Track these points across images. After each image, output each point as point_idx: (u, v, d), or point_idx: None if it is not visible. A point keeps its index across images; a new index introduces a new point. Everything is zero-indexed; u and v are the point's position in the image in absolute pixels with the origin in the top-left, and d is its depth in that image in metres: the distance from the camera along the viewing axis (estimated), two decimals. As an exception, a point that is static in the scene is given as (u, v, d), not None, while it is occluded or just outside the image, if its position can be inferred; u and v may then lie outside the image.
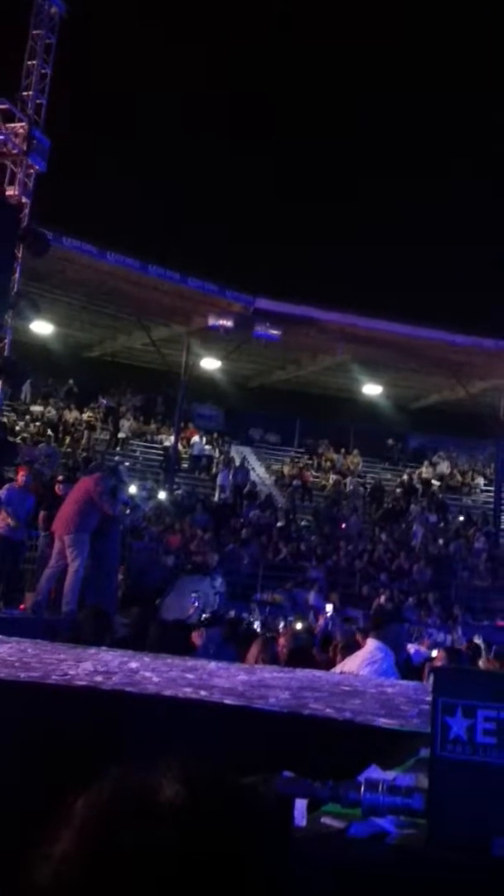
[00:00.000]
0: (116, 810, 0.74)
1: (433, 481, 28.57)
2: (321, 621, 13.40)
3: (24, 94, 14.27)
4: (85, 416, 26.28)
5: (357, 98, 33.03)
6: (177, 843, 0.71)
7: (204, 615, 10.14)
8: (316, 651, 8.65)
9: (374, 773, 1.54)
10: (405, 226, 30.86)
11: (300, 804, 1.40)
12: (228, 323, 23.90)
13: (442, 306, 25.46)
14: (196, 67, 31.00)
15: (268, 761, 2.43)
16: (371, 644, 6.51)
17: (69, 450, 23.26)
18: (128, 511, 16.89)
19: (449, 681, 1.33)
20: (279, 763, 2.40)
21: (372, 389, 28.70)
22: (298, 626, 11.49)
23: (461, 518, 26.67)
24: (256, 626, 13.36)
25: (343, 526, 24.73)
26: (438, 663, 7.32)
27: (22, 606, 11.55)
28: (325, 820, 1.43)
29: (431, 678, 1.37)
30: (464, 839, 1.23)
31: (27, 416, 24.63)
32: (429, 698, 4.16)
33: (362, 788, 1.32)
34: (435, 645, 12.33)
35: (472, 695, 1.30)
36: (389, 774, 1.54)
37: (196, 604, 11.58)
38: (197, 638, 7.89)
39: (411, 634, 13.14)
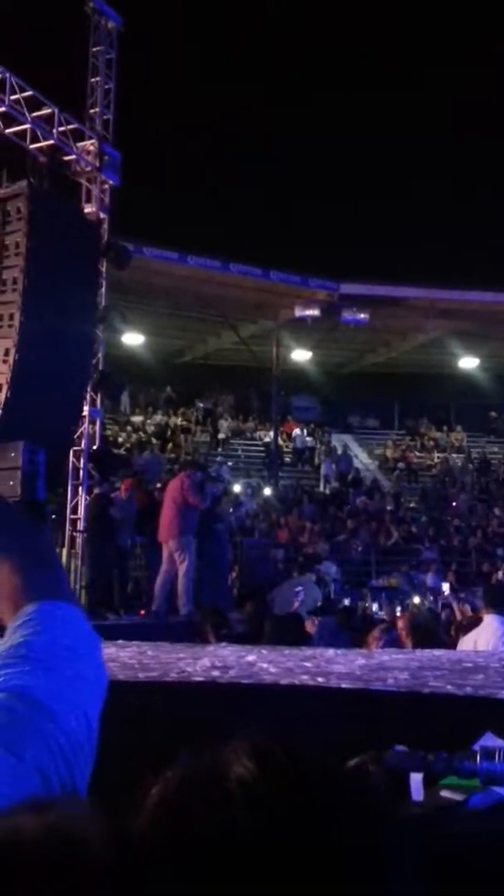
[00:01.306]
0: (186, 793, 0.73)
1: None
2: (441, 602, 13.21)
3: (91, 111, 14.52)
4: (183, 420, 26.60)
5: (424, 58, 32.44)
6: (249, 821, 0.70)
7: (311, 606, 10.11)
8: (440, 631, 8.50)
9: (490, 740, 1.49)
10: (481, 195, 30.07)
11: (416, 778, 1.36)
12: (315, 312, 23.80)
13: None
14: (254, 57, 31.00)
15: (386, 742, 2.39)
16: (493, 620, 6.39)
17: (173, 455, 23.59)
18: (221, 492, 16.88)
19: None
20: (398, 743, 2.36)
21: (468, 363, 28.13)
22: (416, 604, 11.34)
23: None
24: (374, 610, 13.26)
25: (453, 504, 24.31)
26: None
27: (142, 613, 11.78)
28: (445, 793, 1.39)
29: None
30: None
31: (128, 427, 25.10)
32: None
33: (478, 757, 1.27)
34: None
35: None
36: (506, 741, 1.49)
37: (300, 597, 11.58)
38: (310, 627, 7.87)
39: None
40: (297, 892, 0.67)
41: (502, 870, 1.19)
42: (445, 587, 14.80)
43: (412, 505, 24.49)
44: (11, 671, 1.01)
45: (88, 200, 14.35)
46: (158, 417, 26.00)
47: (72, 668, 1.04)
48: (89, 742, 1.01)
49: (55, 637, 1.06)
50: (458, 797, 1.36)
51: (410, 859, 0.77)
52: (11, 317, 11.83)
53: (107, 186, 14.51)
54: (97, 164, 14.16)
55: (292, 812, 0.71)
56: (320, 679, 3.42)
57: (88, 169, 14.19)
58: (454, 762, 1.28)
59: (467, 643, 6.54)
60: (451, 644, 7.49)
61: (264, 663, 4.25)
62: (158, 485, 15.15)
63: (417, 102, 31.36)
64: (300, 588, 11.91)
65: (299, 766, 0.76)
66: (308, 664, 4.31)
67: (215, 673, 3.69)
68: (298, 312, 23.92)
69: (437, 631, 7.57)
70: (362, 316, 23.93)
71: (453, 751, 1.42)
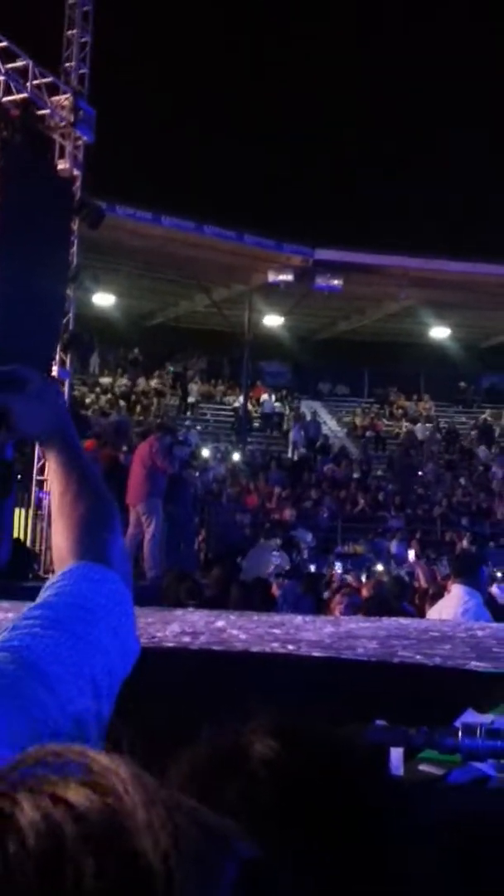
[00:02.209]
0: (211, 774, 0.73)
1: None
2: (406, 570, 13.35)
3: (66, 65, 14.19)
4: (153, 383, 26.45)
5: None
6: (275, 799, 0.70)
7: (278, 571, 10.19)
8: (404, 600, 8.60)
9: (471, 717, 1.50)
10: (459, 162, 29.96)
11: (396, 753, 1.37)
12: (289, 277, 23.70)
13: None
14: (235, 15, 30.51)
15: (359, 711, 2.41)
16: (459, 590, 6.46)
17: (141, 418, 23.49)
18: (188, 456, 16.93)
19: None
20: (371, 712, 2.38)
21: (439, 332, 28.23)
22: (384, 577, 11.47)
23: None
24: (339, 573, 13.38)
25: (420, 473, 24.52)
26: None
27: None
28: (424, 767, 1.40)
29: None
30: None
31: (97, 389, 24.93)
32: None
33: (459, 734, 1.28)
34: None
35: None
36: (487, 718, 1.50)
37: (277, 561, 11.65)
38: (276, 590, 7.93)
39: (494, 576, 12.97)
40: (323, 867, 0.67)
41: (483, 845, 1.20)
42: (411, 554, 14.96)
43: (379, 473, 24.66)
44: (21, 631, 0.98)
45: (62, 156, 14.06)
46: (125, 380, 25.84)
47: (85, 632, 1.00)
48: (96, 714, 0.98)
49: (76, 599, 1.04)
50: (437, 771, 1.37)
51: (422, 830, 0.77)
52: (-19, 273, 11.61)
53: (81, 143, 14.22)
54: (71, 120, 13.86)
55: (314, 788, 0.71)
56: (290, 646, 3.44)
57: (62, 124, 13.89)
58: (435, 737, 1.29)
59: (434, 612, 6.62)
60: (417, 611, 7.59)
61: (234, 629, 4.26)
62: (125, 448, 15.09)
63: (392, 65, 31.03)
64: (276, 553, 11.98)
65: (319, 742, 0.76)
66: (277, 631, 4.33)
67: (186, 639, 3.69)
68: (272, 277, 23.80)
69: (400, 603, 7.65)
70: (336, 283, 23.87)
71: (427, 722, 1.43)
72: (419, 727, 1.31)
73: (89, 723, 0.98)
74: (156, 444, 10.97)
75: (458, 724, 1.33)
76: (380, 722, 1.35)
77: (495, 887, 1.20)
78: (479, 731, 1.28)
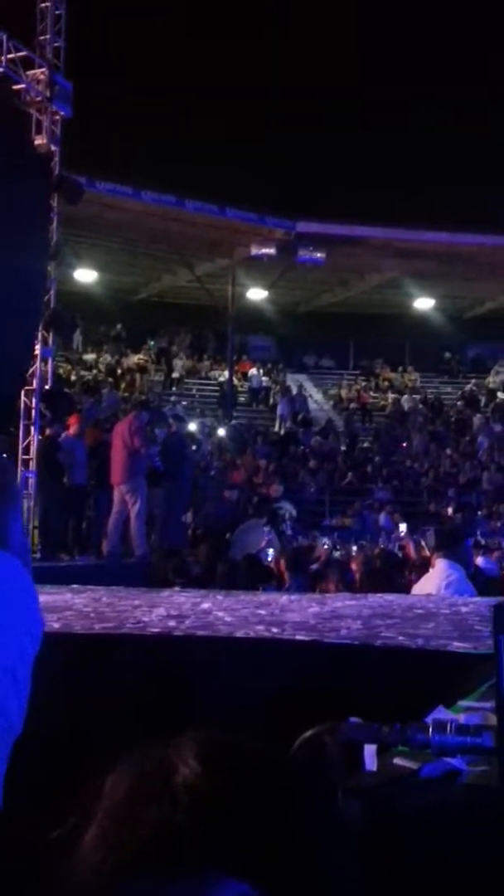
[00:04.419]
0: (134, 796, 0.73)
1: (499, 393, 28.05)
2: (395, 542, 13.40)
3: (41, 38, 13.97)
4: (136, 359, 26.34)
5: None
6: (194, 826, 0.70)
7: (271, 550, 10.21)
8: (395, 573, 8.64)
9: (441, 713, 1.52)
10: (443, 133, 29.75)
11: (370, 749, 1.39)
12: (271, 251, 23.60)
13: (490, 210, 24.62)
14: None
15: (341, 696, 2.44)
16: (442, 564, 6.49)
17: (126, 394, 23.42)
18: (194, 447, 17.01)
19: (511, 616, 1.30)
20: (352, 697, 2.41)
21: (424, 303, 28.20)
22: (375, 550, 11.50)
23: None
24: (325, 546, 13.39)
25: (405, 444, 24.59)
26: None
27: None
28: (397, 761, 1.43)
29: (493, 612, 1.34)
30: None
31: (80, 366, 24.82)
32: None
33: (430, 730, 1.30)
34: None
35: (537, 629, 1.26)
36: (458, 714, 1.53)
37: (269, 537, 11.67)
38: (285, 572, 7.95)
39: (481, 545, 13.05)
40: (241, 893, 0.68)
41: (455, 837, 1.23)
42: (403, 528, 15.01)
43: (366, 445, 24.71)
44: None
45: (39, 132, 13.88)
46: (109, 357, 25.71)
47: None
48: (15, 698, 0.98)
49: None
50: (411, 765, 1.40)
51: (350, 851, 0.78)
52: (-40, 253, 11.50)
53: (58, 118, 14.03)
54: (48, 94, 13.66)
55: (235, 816, 0.71)
56: (275, 629, 3.47)
57: (39, 99, 13.70)
58: (407, 734, 1.31)
59: (418, 587, 6.66)
60: (406, 585, 7.63)
61: (220, 612, 4.29)
62: (108, 426, 15.03)
63: (378, 35, 30.71)
64: (267, 529, 12.00)
65: (243, 766, 0.76)
66: (262, 612, 4.36)
67: (171, 623, 3.71)
68: (255, 251, 23.69)
69: (391, 574, 7.70)
70: (319, 255, 23.78)
71: (398, 713, 1.45)
72: (392, 724, 1.33)
73: (9, 709, 0.99)
74: (134, 423, 10.98)
75: (428, 720, 1.36)
76: (353, 719, 1.37)
77: (466, 879, 1.22)
78: (449, 728, 1.30)
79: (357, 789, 1.29)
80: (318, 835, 0.72)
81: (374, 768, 1.37)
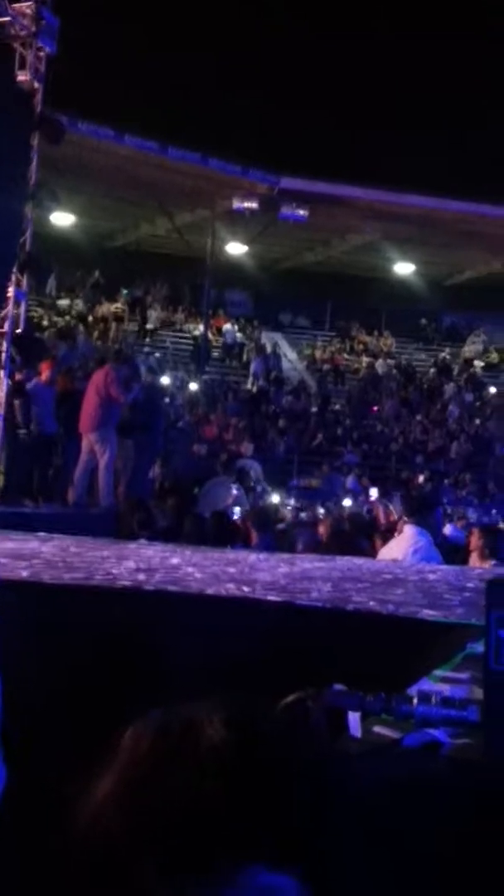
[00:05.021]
0: (159, 757, 0.72)
1: (474, 361, 28.14)
2: (363, 505, 13.50)
3: (29, -30, 13.53)
4: (113, 307, 26.03)
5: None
6: (221, 792, 0.69)
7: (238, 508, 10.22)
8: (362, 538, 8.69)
9: (426, 685, 1.52)
10: (431, 94, 29.45)
11: (354, 717, 1.39)
12: (253, 205, 23.32)
13: (474, 177, 24.50)
14: None
15: (313, 659, 2.44)
16: (410, 530, 6.56)
17: (99, 343, 23.18)
18: (167, 400, 16.93)
19: (503, 594, 1.29)
20: (323, 661, 2.41)
21: (403, 268, 28.11)
22: (345, 512, 11.57)
23: (498, 396, 26.38)
24: (289, 505, 13.46)
25: (376, 409, 24.66)
26: (473, 541, 7.35)
27: None
28: (378, 729, 1.42)
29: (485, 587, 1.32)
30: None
31: (53, 311, 24.49)
32: (470, 584, 4.15)
33: (415, 701, 1.29)
34: (470, 524, 12.38)
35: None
36: (443, 686, 1.53)
37: (236, 493, 11.68)
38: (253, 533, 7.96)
39: (448, 514, 13.21)
40: (267, 858, 0.68)
41: (435, 808, 1.23)
42: (373, 492, 15.12)
43: (337, 407, 24.74)
44: None
45: (22, 67, 13.49)
46: (82, 303, 25.38)
47: None
48: None
49: None
50: (392, 734, 1.39)
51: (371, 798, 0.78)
52: None
53: (42, 54, 13.63)
54: (33, 29, 13.27)
55: (260, 782, 0.70)
56: (246, 588, 3.46)
57: (24, 33, 13.29)
58: (391, 703, 1.30)
59: (385, 552, 6.72)
60: (372, 549, 7.69)
61: (189, 567, 4.28)
62: (80, 374, 14.86)
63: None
64: (235, 485, 12.00)
65: (268, 734, 0.75)
66: (232, 570, 4.35)
67: (141, 577, 3.69)
68: (236, 204, 23.40)
69: (358, 539, 7.75)
70: (302, 212, 23.56)
71: (382, 682, 1.45)
72: (376, 693, 1.32)
73: None
74: (111, 373, 10.87)
75: (413, 691, 1.35)
76: (338, 686, 1.36)
77: (444, 850, 1.23)
78: (433, 699, 1.30)
79: (343, 755, 1.29)
80: (333, 805, 0.72)
81: (359, 735, 1.36)
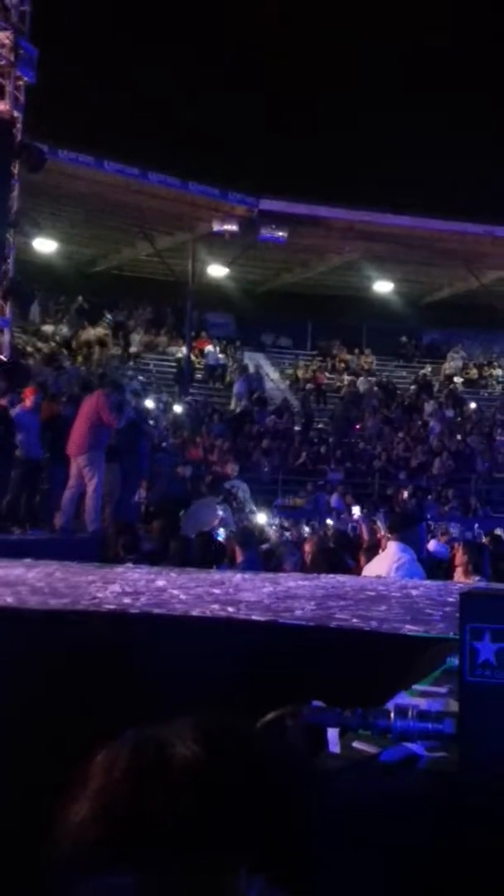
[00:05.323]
0: (134, 776, 0.74)
1: (454, 377, 28.34)
2: (347, 524, 13.52)
3: (7, 2, 13.68)
4: (98, 332, 26.06)
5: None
6: (196, 806, 0.71)
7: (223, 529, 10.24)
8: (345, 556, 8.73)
9: (403, 699, 1.56)
10: (408, 115, 29.79)
11: (333, 733, 1.42)
12: (233, 227, 23.49)
13: (451, 197, 24.80)
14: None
15: (298, 677, 2.47)
16: (393, 546, 6.59)
17: (83, 368, 23.19)
18: (151, 422, 16.95)
19: (476, 606, 1.33)
20: (308, 678, 2.44)
21: (383, 286, 28.32)
22: (328, 531, 11.59)
23: (478, 411, 26.58)
24: (272, 524, 13.47)
25: (358, 427, 24.76)
26: (458, 556, 7.40)
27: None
28: (357, 744, 1.45)
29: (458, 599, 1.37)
30: (496, 762, 1.25)
31: (37, 337, 24.49)
32: (452, 599, 4.20)
33: (392, 715, 1.33)
34: (453, 540, 12.43)
35: (501, 619, 1.30)
36: (420, 700, 1.56)
37: (221, 513, 11.69)
38: (238, 553, 7.98)
39: (431, 530, 13.26)
40: (243, 869, 0.70)
41: (412, 822, 1.26)
42: (356, 510, 15.16)
43: (320, 426, 24.83)
44: None
45: (2, 97, 13.64)
46: (65, 328, 25.40)
47: None
48: None
49: None
50: (370, 749, 1.42)
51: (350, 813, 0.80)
52: None
53: (21, 83, 13.80)
54: (12, 59, 13.43)
55: (234, 795, 0.72)
56: (230, 609, 3.49)
57: (2, 63, 13.45)
58: (369, 718, 1.33)
59: (369, 569, 6.75)
60: (356, 567, 7.74)
61: (174, 589, 4.30)
62: (64, 399, 14.87)
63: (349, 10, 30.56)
64: (220, 507, 12.01)
65: (240, 748, 0.77)
66: (217, 591, 4.38)
67: (126, 600, 3.71)
68: (216, 226, 23.57)
69: (342, 557, 7.78)
70: (281, 234, 23.74)
71: (360, 697, 1.48)
72: (354, 708, 1.35)
73: None
74: (103, 398, 10.92)
75: (390, 705, 1.39)
76: (316, 703, 1.40)
77: (421, 860, 1.26)
78: (410, 713, 1.33)
79: (322, 772, 1.32)
80: (311, 817, 0.74)
81: (338, 751, 1.39)
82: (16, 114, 13.70)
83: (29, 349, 22.91)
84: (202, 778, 0.72)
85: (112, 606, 3.50)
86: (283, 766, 0.81)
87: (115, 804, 0.72)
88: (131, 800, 0.72)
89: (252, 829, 0.71)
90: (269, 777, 0.76)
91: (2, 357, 14.17)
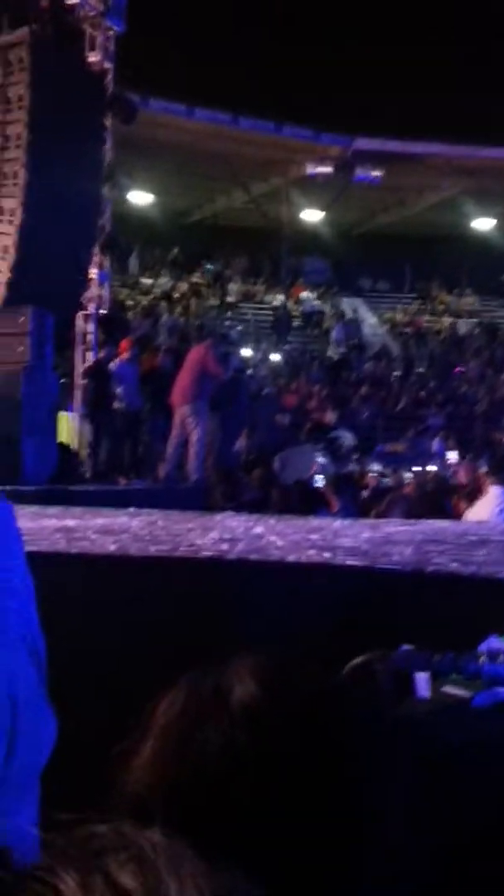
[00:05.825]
0: (191, 717, 0.74)
1: None
2: (448, 468, 13.32)
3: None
4: (192, 281, 26.15)
5: None
6: (253, 745, 0.71)
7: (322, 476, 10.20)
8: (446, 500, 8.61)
9: (494, 643, 1.53)
10: (500, 42, 28.38)
11: (423, 676, 1.41)
12: (327, 169, 23.06)
13: None
14: None
15: (391, 622, 2.46)
16: (495, 490, 6.48)
17: (181, 319, 23.36)
18: (249, 372, 17.03)
19: None
20: (402, 623, 2.43)
21: (483, 224, 27.40)
22: (429, 475, 11.44)
23: None
24: (375, 472, 13.36)
25: (460, 370, 24.21)
26: None
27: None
28: (448, 689, 1.44)
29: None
30: None
31: (137, 290, 24.75)
32: None
33: (483, 659, 1.31)
34: None
35: None
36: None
37: (322, 461, 11.65)
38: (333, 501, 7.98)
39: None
40: (296, 811, 0.70)
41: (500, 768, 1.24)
42: (453, 455, 14.89)
43: (420, 370, 24.40)
44: None
45: (92, 49, 13.61)
46: (164, 280, 25.56)
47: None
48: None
49: None
50: (462, 693, 1.41)
51: (404, 769, 0.78)
52: (16, 174, 11.44)
53: (111, 33, 13.74)
54: (102, 9, 13.36)
55: (291, 735, 0.72)
56: (326, 554, 3.49)
57: (93, 14, 13.40)
58: (459, 662, 1.32)
59: (471, 513, 6.65)
60: (455, 511, 7.63)
61: (272, 536, 4.32)
62: (163, 350, 15.03)
63: None
64: (318, 455, 11.99)
65: (299, 688, 0.77)
66: (315, 536, 4.38)
67: (224, 546, 3.76)
68: (310, 169, 23.16)
69: (444, 501, 7.69)
70: (376, 174, 23.17)
71: (451, 641, 1.46)
72: (444, 652, 1.34)
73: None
74: (210, 350, 11.08)
75: (482, 649, 1.36)
76: (405, 647, 1.38)
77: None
78: (501, 657, 1.31)
79: (409, 717, 1.31)
80: (372, 759, 0.73)
81: (427, 695, 1.38)
82: (107, 65, 13.67)
83: (129, 302, 23.20)
84: (259, 717, 0.72)
85: (209, 553, 3.55)
86: (349, 706, 0.79)
87: (174, 743, 0.73)
88: (190, 737, 0.73)
89: (309, 769, 0.71)
90: (325, 721, 0.74)
91: (102, 311, 14.37)
